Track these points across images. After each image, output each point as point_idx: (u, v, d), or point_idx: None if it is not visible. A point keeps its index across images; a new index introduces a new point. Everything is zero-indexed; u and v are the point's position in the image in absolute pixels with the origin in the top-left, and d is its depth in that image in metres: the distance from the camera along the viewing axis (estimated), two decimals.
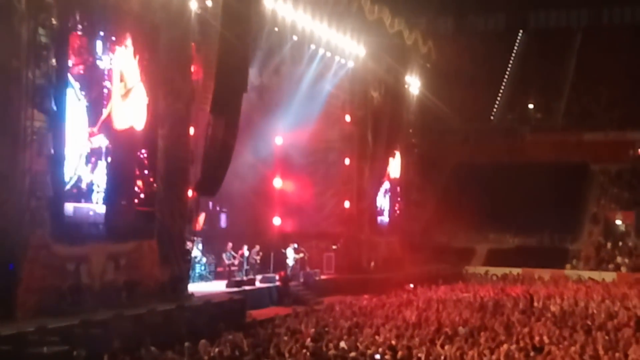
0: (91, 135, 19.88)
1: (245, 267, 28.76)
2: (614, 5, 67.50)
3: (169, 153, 22.57)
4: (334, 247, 34.90)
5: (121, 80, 20.66)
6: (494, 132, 58.74)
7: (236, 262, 28.48)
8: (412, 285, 32.95)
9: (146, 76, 21.86)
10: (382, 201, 39.68)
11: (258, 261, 29.40)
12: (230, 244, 28.77)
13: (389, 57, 37.94)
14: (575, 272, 42.73)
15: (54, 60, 18.33)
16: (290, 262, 30.88)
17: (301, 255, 31.36)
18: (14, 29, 17.76)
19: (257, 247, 29.65)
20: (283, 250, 31.54)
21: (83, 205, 19.75)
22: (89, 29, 19.72)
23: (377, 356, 15.50)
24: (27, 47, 17.90)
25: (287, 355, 15.36)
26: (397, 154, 41.39)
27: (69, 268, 18.80)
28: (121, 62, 20.70)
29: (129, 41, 21.00)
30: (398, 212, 41.55)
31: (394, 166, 41.06)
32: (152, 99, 22.06)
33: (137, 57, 21.32)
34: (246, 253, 28.82)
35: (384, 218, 39.90)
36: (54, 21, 18.31)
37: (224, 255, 28.51)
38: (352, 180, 36.38)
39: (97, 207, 20.15)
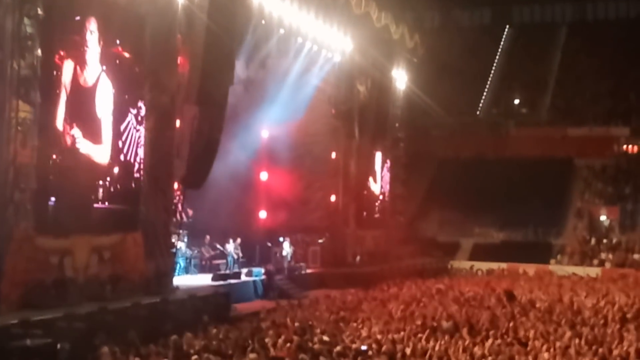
0: None
1: (230, 260, 28.79)
2: (598, 1, 67.82)
3: (154, 146, 22.43)
4: (320, 240, 34.91)
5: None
6: (479, 126, 58.86)
7: (207, 255, 28.50)
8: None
9: (130, 68, 21.75)
10: (368, 195, 39.67)
11: (240, 254, 29.45)
12: (208, 237, 28.74)
13: (375, 52, 37.89)
14: (559, 267, 42.93)
15: (39, 51, 18.16)
16: (287, 254, 31.24)
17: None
18: None
19: (238, 240, 29.65)
20: (269, 244, 31.59)
21: None
22: (74, 19, 19.51)
23: (364, 347, 15.53)
24: (12, 38, 17.70)
25: (271, 349, 15.34)
26: (383, 148, 41.41)
27: (52, 261, 18.68)
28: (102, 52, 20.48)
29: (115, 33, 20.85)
30: (384, 206, 41.58)
31: (380, 160, 41.07)
32: (136, 91, 21.96)
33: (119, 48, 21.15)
34: (231, 247, 28.81)
35: (370, 212, 39.89)
36: (39, 11, 18.13)
37: (203, 249, 28.52)
38: (338, 174, 36.36)
39: None
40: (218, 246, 28.90)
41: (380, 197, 41.35)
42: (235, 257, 29.22)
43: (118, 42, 21.12)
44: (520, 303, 24.72)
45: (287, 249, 31.50)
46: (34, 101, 18.13)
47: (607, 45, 60.67)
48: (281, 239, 32.37)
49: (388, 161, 42.07)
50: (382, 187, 41.47)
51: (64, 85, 19.10)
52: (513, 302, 24.65)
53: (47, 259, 18.54)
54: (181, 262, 26.67)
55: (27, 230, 17.97)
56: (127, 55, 21.51)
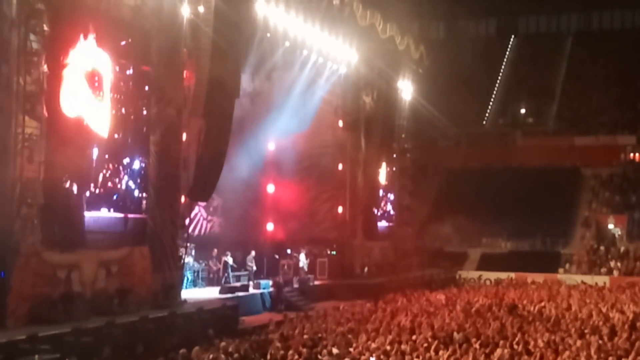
0: None
1: (232, 273, 28.63)
2: (603, 10, 67.85)
3: (160, 159, 22.48)
4: (333, 252, 34.94)
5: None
6: (486, 136, 58.84)
7: (215, 268, 28.49)
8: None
9: (136, 82, 21.86)
10: (375, 206, 39.61)
11: (254, 267, 29.47)
12: (215, 251, 28.71)
13: (381, 63, 37.95)
14: (568, 276, 42.76)
15: (45, 67, 18.26)
16: (304, 266, 31.72)
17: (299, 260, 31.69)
18: (3, 35, 17.70)
19: (253, 253, 29.67)
20: (276, 256, 31.57)
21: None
22: (80, 35, 19.58)
23: (373, 359, 15.46)
24: (18, 54, 17.86)
25: None
26: (390, 159, 41.40)
27: (60, 276, 18.72)
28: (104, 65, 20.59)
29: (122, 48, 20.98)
30: (391, 217, 41.53)
31: (387, 171, 41.04)
32: (142, 105, 22.06)
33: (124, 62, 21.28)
34: (229, 260, 28.57)
35: (377, 223, 39.83)
36: (45, 27, 18.25)
37: (210, 262, 28.48)
38: (345, 185, 36.36)
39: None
40: (224, 259, 28.82)
41: (388, 208, 41.29)
42: (249, 269, 29.40)
43: (124, 56, 21.20)
44: (529, 313, 24.58)
45: (303, 260, 31.69)
46: (40, 116, 18.21)
47: (613, 55, 60.70)
48: (289, 251, 32.38)
49: (395, 172, 42.04)
50: (389, 198, 41.41)
51: (69, 100, 19.15)
52: (515, 315, 24.45)
53: (54, 273, 18.58)
54: (189, 275, 26.64)
55: (35, 244, 18.02)
56: (133, 69, 21.61)
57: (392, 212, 41.74)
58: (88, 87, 19.67)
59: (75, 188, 19.19)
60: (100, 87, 20.15)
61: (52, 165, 18.42)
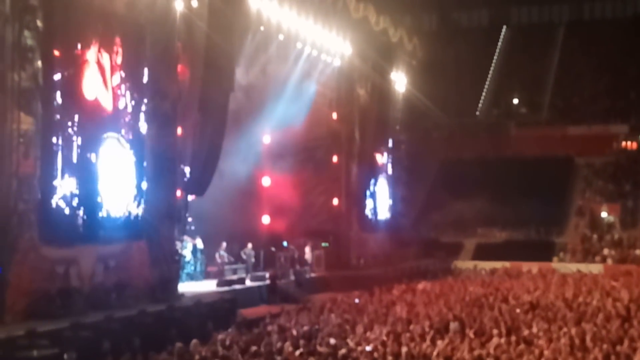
0: None
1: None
2: (595, 0, 68.06)
3: (156, 153, 22.54)
4: (324, 244, 35.01)
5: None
6: (479, 127, 59.02)
7: (220, 261, 28.50)
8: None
9: (131, 76, 21.89)
10: (371, 198, 39.74)
11: (252, 260, 29.58)
12: (224, 244, 28.74)
13: (374, 55, 38.04)
14: (562, 264, 42.99)
15: (39, 63, 18.28)
16: (308, 258, 32.03)
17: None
18: None
19: (249, 246, 29.75)
20: (273, 249, 31.66)
21: None
22: (74, 30, 19.60)
23: (369, 348, 15.58)
24: (12, 50, 17.82)
25: (278, 353, 15.38)
26: (384, 151, 41.52)
27: (58, 271, 18.77)
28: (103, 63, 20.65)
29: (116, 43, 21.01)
30: (386, 208, 41.66)
31: (382, 163, 41.17)
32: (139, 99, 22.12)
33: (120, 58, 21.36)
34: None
35: (373, 215, 39.96)
36: (39, 23, 18.26)
37: (216, 255, 28.44)
38: (340, 177, 36.48)
39: None
40: (222, 252, 28.83)
41: (382, 199, 41.41)
42: (247, 262, 29.58)
43: (118, 51, 21.22)
44: (524, 302, 24.72)
45: (308, 253, 31.94)
46: (36, 112, 18.25)
47: (605, 44, 60.90)
48: (285, 244, 32.47)
49: (389, 164, 42.17)
50: (383, 189, 41.53)
51: (65, 95, 19.19)
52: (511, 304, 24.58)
53: (52, 268, 18.63)
54: (189, 269, 26.71)
55: (32, 240, 18.06)
56: (127, 64, 21.63)
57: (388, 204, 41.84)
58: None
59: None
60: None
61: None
